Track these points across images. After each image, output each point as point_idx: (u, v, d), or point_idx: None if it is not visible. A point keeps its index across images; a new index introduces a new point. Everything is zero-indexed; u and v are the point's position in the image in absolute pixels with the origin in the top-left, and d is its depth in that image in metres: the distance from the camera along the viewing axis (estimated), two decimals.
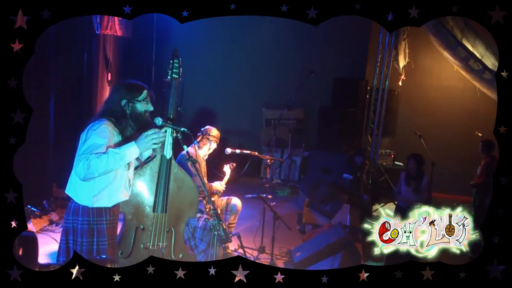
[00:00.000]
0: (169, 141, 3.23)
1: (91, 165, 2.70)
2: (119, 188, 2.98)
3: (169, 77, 3.33)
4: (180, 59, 3.35)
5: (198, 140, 4.69)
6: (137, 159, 3.16)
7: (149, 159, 3.27)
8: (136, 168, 3.20)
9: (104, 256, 2.85)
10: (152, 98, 3.05)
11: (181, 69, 3.35)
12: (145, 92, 3.00)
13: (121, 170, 2.95)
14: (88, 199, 2.89)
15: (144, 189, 3.25)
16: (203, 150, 4.73)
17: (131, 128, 2.95)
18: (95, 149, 2.76)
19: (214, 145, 4.77)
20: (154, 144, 2.84)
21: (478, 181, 6.38)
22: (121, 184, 2.99)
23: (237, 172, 4.96)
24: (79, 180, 2.85)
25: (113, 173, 2.89)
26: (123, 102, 2.94)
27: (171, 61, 3.34)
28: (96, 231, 2.92)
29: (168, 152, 3.25)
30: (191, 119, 8.60)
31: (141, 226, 3.24)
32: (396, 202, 6.54)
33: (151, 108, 3.03)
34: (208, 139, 4.70)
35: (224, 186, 4.87)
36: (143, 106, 2.98)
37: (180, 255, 3.32)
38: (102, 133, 2.81)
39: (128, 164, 2.97)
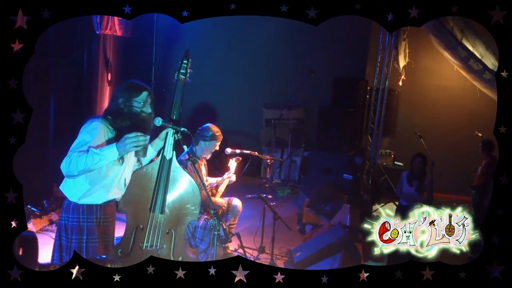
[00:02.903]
0: (170, 142, 3.20)
1: (72, 163, 2.74)
2: (110, 187, 2.99)
3: (175, 77, 3.31)
4: (190, 60, 3.32)
5: (194, 143, 4.48)
6: (138, 160, 3.17)
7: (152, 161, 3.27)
8: (136, 170, 3.20)
9: (104, 256, 2.85)
10: (152, 101, 3.04)
11: (189, 70, 3.32)
12: (144, 93, 2.98)
13: (116, 169, 2.96)
14: (78, 195, 2.92)
15: (143, 189, 3.23)
16: (201, 151, 4.56)
17: (126, 128, 2.92)
18: (82, 146, 2.80)
19: (212, 144, 4.52)
20: (134, 147, 2.80)
21: (479, 182, 6.38)
22: (113, 183, 2.99)
23: (238, 172, 4.92)
24: None
25: (105, 171, 2.91)
26: (120, 100, 2.95)
27: (180, 62, 3.32)
28: (86, 229, 2.95)
29: (169, 153, 3.23)
30: (191, 119, 8.60)
31: (141, 226, 3.23)
32: (396, 202, 6.55)
33: (149, 110, 3.00)
34: (205, 140, 4.51)
35: (224, 200, 4.76)
36: (140, 107, 2.96)
37: (180, 258, 3.30)
38: (91, 131, 2.84)
39: (123, 162, 2.97)
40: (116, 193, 3.07)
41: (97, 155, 2.75)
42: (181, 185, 3.30)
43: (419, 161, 5.96)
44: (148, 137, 2.95)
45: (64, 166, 2.78)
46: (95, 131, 2.84)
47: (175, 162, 3.26)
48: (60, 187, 3.02)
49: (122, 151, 2.81)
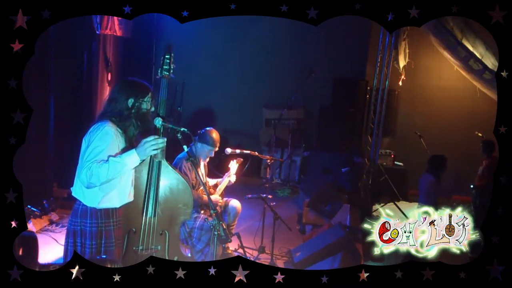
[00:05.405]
0: None
1: (93, 174, 2.70)
2: (126, 188, 2.97)
3: (159, 74, 3.25)
4: (172, 54, 3.24)
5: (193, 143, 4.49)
6: None
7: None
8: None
9: (105, 256, 2.85)
10: (154, 99, 3.02)
11: (173, 65, 3.24)
12: (150, 92, 2.97)
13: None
14: (97, 200, 2.87)
15: (134, 192, 3.15)
16: (197, 151, 4.55)
17: (134, 128, 2.92)
18: (98, 154, 2.75)
19: (206, 147, 4.53)
20: (153, 150, 2.80)
21: (481, 182, 6.36)
22: (128, 184, 2.98)
23: (238, 173, 4.92)
24: None
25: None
26: (130, 101, 2.89)
27: (162, 57, 3.25)
28: (104, 233, 2.91)
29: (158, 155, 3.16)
30: (191, 119, 8.60)
31: (133, 229, 3.19)
32: (396, 202, 6.52)
33: (154, 108, 3.01)
34: (202, 142, 4.52)
35: (219, 197, 4.75)
36: (147, 106, 2.95)
37: (175, 258, 3.27)
38: (104, 137, 2.79)
39: None
40: (132, 195, 3.05)
41: (118, 163, 2.73)
42: (172, 185, 3.25)
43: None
44: (165, 138, 2.92)
45: (84, 179, 2.73)
46: (108, 136, 2.79)
47: (164, 163, 3.21)
48: (74, 194, 2.93)
49: (142, 156, 2.79)
